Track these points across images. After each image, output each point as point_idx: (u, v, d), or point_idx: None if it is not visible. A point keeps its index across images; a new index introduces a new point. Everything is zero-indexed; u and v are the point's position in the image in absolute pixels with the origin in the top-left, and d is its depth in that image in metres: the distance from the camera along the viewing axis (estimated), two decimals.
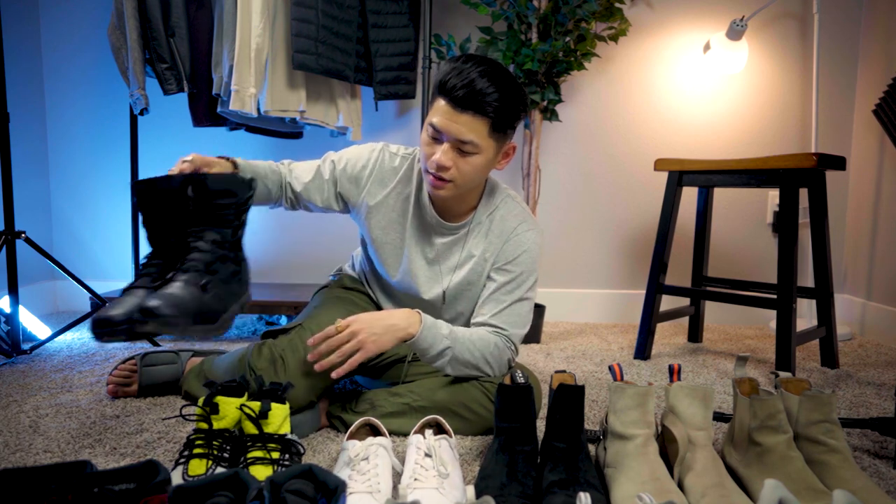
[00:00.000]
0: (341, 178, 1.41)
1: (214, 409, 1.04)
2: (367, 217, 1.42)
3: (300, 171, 1.42)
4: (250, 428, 1.03)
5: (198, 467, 1.00)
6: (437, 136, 1.25)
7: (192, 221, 1.08)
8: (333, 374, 1.23)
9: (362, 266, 1.59)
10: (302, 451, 1.09)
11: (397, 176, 1.41)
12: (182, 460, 1.02)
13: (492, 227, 1.39)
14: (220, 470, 0.99)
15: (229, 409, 1.04)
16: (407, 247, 1.41)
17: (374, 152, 1.42)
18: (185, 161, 1.19)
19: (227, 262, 1.10)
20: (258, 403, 1.04)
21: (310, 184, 1.40)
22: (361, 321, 1.24)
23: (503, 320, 1.35)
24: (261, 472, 1.00)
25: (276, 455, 1.03)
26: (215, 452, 1.02)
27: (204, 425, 1.04)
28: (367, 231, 1.44)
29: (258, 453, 1.02)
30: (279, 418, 1.05)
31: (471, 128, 1.21)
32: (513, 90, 1.23)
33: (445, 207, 1.38)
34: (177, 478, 0.99)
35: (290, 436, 1.08)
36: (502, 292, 1.36)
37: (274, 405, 1.05)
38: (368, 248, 1.50)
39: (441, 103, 1.23)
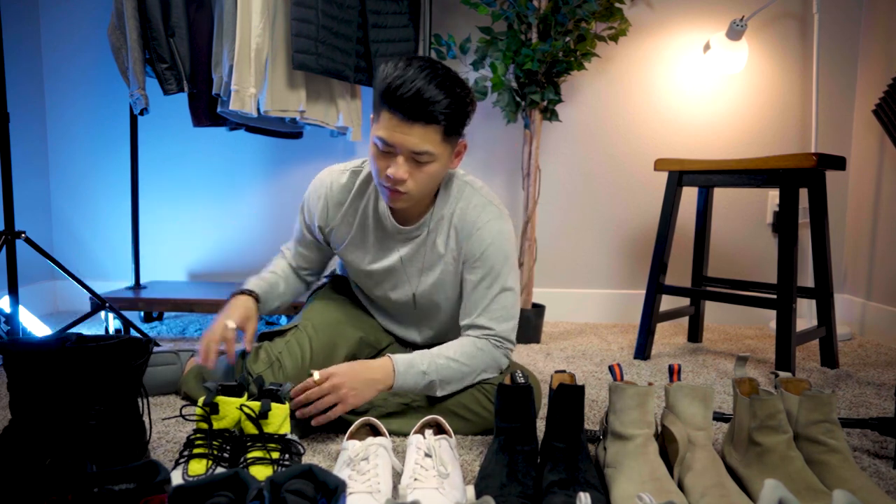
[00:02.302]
0: (311, 222, 1.44)
1: (214, 409, 1.04)
2: (332, 238, 1.44)
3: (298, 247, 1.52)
4: (250, 428, 1.03)
5: (198, 467, 1.00)
6: (389, 150, 1.20)
7: (71, 393, 1.01)
8: (314, 422, 1.22)
9: (343, 271, 1.60)
10: (302, 451, 1.09)
11: (350, 193, 1.39)
12: (182, 460, 1.02)
13: (453, 221, 1.35)
14: (220, 470, 0.99)
15: (229, 410, 1.04)
16: (373, 259, 1.40)
17: (323, 181, 1.42)
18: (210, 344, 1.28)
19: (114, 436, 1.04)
20: (258, 403, 1.04)
21: (309, 250, 1.51)
22: (341, 374, 1.22)
23: (488, 318, 1.32)
24: (261, 473, 1.00)
25: (275, 455, 1.03)
26: (215, 452, 1.01)
27: (204, 425, 1.04)
28: (334, 249, 1.47)
29: (258, 453, 1.02)
30: (279, 418, 1.05)
31: (424, 138, 1.17)
32: (460, 91, 1.19)
33: (402, 211, 1.35)
34: (177, 478, 0.99)
35: (289, 436, 1.08)
36: (480, 289, 1.33)
37: (274, 405, 1.05)
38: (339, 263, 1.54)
39: (388, 115, 1.17)
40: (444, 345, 1.32)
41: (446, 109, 1.16)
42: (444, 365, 1.27)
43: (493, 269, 1.32)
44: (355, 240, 1.41)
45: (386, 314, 1.51)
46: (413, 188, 1.22)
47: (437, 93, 1.15)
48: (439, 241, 1.36)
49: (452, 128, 1.20)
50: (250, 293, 1.39)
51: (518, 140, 2.55)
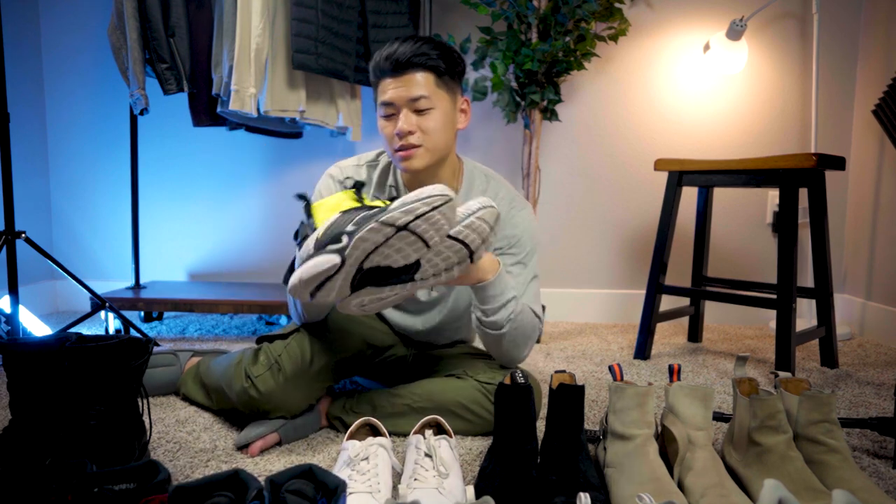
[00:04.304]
0: None
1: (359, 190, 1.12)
2: None
3: None
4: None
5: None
6: (392, 110, 1.26)
7: (71, 393, 1.02)
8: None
9: None
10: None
11: (371, 187, 1.39)
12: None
13: None
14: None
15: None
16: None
17: (336, 177, 1.39)
18: None
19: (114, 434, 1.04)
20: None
21: None
22: None
23: (526, 301, 1.33)
24: None
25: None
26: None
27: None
28: None
29: None
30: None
31: (416, 83, 1.24)
32: (439, 41, 1.28)
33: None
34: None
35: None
36: (514, 276, 1.34)
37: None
38: None
39: (382, 83, 1.26)
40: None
41: (430, 52, 1.24)
42: (521, 309, 1.28)
43: (526, 256, 1.36)
44: None
45: (399, 308, 1.49)
46: (423, 140, 1.26)
47: (417, 44, 1.24)
48: None
49: (442, 71, 1.26)
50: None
51: (518, 140, 2.55)
